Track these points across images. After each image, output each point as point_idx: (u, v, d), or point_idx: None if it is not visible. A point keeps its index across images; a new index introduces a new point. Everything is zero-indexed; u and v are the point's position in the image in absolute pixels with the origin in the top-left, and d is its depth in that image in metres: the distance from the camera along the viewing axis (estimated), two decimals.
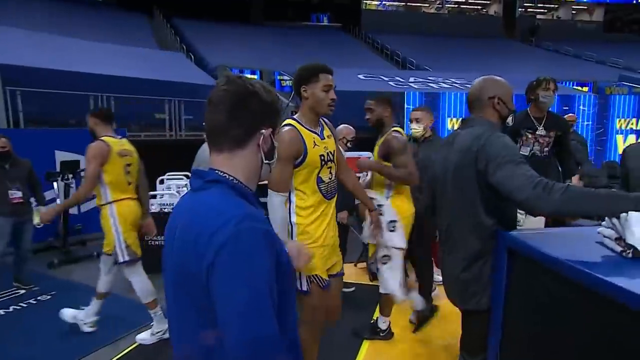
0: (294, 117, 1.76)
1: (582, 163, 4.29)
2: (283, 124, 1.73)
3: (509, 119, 1.58)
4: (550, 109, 2.71)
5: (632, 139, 7.72)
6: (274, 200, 1.67)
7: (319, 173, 1.72)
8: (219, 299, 0.72)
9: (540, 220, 2.25)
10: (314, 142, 1.71)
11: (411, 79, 9.62)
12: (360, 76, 9.70)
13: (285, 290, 0.81)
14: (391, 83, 9.12)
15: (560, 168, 2.76)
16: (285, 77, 12.48)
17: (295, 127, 1.71)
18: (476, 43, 19.36)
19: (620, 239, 1.11)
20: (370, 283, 3.59)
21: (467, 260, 1.47)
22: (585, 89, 11.97)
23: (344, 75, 9.55)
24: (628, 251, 1.08)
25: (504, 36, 22.64)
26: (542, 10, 26.65)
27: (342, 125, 3.10)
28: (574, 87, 12.39)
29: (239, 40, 16.91)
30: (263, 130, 0.85)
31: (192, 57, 13.77)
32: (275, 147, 0.89)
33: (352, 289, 3.44)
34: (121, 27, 13.76)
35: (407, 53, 15.84)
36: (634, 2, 24.94)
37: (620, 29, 26.59)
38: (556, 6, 26.24)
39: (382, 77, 9.69)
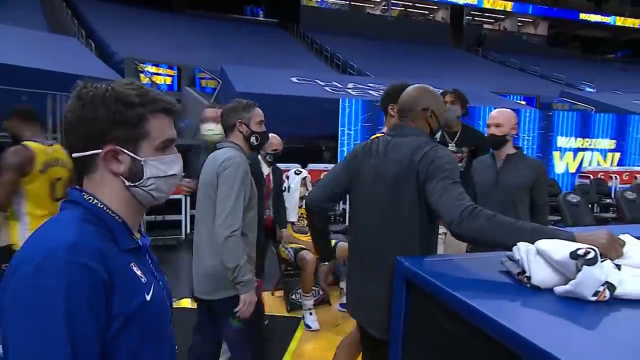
0: (383, 131, 1.95)
1: None
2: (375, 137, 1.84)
3: (438, 134, 1.68)
4: (466, 123, 2.92)
5: (569, 156, 8.64)
6: None
7: None
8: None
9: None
10: None
11: (350, 85, 9.93)
12: (294, 79, 9.81)
13: (148, 338, 0.77)
14: (327, 88, 9.33)
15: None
16: (207, 77, 12.24)
17: None
18: (422, 50, 20.67)
19: (522, 273, 1.16)
20: (287, 314, 3.55)
21: (385, 276, 1.50)
22: (524, 102, 13.24)
23: (275, 77, 9.60)
24: (526, 282, 1.13)
25: (451, 44, 24.48)
26: (489, 20, 29.33)
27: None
28: (517, 101, 13.63)
29: (155, 29, 16.37)
30: (106, 148, 0.79)
31: (93, 44, 13.01)
32: (143, 165, 0.82)
33: (266, 322, 3.36)
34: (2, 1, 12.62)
35: (347, 56, 16.41)
36: (577, 18, 28.42)
37: (563, 43, 30.15)
38: (503, 17, 29.03)
39: (317, 81, 9.89)
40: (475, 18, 28.40)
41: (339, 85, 9.77)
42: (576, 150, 8.71)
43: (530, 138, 8.35)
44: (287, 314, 3.58)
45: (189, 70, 12.48)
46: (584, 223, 4.81)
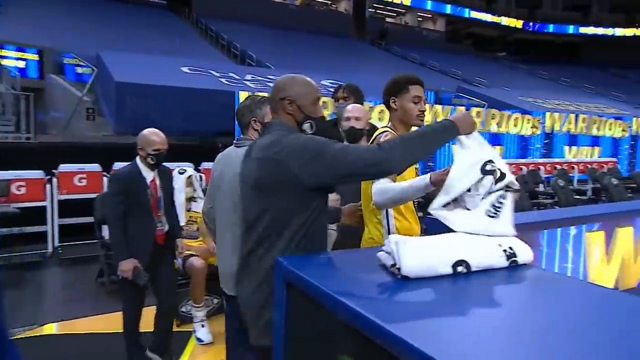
0: (387, 125, 2.04)
1: None
2: (381, 130, 1.99)
3: (306, 126, 1.61)
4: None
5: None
6: (382, 182, 1.72)
7: None
8: None
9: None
10: None
11: (248, 77, 9.83)
12: (185, 69, 9.43)
13: None
14: (223, 80, 9.12)
15: None
16: (82, 64, 11.22)
17: (393, 134, 1.95)
18: (324, 41, 21.24)
19: (394, 265, 1.25)
20: (177, 329, 3.43)
21: (261, 278, 1.51)
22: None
23: (163, 66, 9.13)
24: (397, 273, 1.22)
25: (354, 36, 25.53)
26: (391, 14, 31.19)
27: (147, 131, 2.75)
28: None
29: (14, 4, 14.57)
30: None
31: None
32: None
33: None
34: None
35: (246, 45, 16.23)
36: (468, 16, 31.48)
37: (459, 40, 33.22)
38: (404, 11, 31.06)
39: (212, 71, 9.62)
40: (378, 11, 29.97)
41: (236, 77, 9.62)
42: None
43: None
44: (176, 329, 3.43)
45: (54, 54, 11.33)
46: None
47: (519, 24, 33.10)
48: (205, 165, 6.52)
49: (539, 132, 10.45)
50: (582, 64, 32.50)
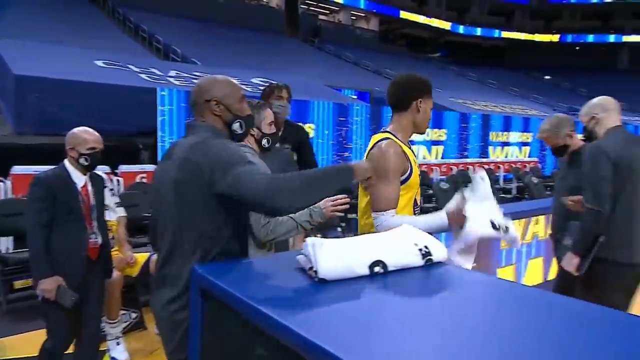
0: (387, 130, 1.95)
1: None
2: (381, 137, 1.91)
3: (236, 126, 1.65)
4: (288, 119, 3.09)
5: None
6: (396, 220, 1.78)
7: (415, 195, 1.93)
8: None
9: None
10: (414, 160, 1.95)
11: (172, 73, 9.52)
12: (99, 62, 8.94)
13: None
14: (143, 76, 8.76)
15: None
16: None
17: (394, 141, 1.89)
18: (255, 37, 21.10)
19: (312, 268, 1.28)
20: None
21: (178, 290, 1.49)
22: (354, 96, 14.74)
23: (73, 59, 8.59)
24: (315, 276, 1.26)
25: (286, 33, 25.62)
26: (324, 11, 31.66)
27: (77, 129, 2.56)
28: (351, 95, 15.04)
29: None
30: None
31: None
32: None
33: None
34: None
35: (170, 39, 15.71)
36: (399, 16, 32.77)
37: (392, 40, 34.47)
38: (337, 9, 31.66)
39: (130, 66, 9.20)
40: (311, 8, 30.30)
41: (159, 73, 9.28)
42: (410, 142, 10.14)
43: (362, 132, 9.33)
44: None
45: None
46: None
47: (448, 26, 34.97)
48: (124, 168, 6.23)
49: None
50: (506, 67, 35.04)
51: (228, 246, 1.53)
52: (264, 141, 2.11)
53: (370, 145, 1.96)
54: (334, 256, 1.24)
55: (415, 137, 2.33)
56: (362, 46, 27.73)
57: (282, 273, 1.38)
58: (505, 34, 36.61)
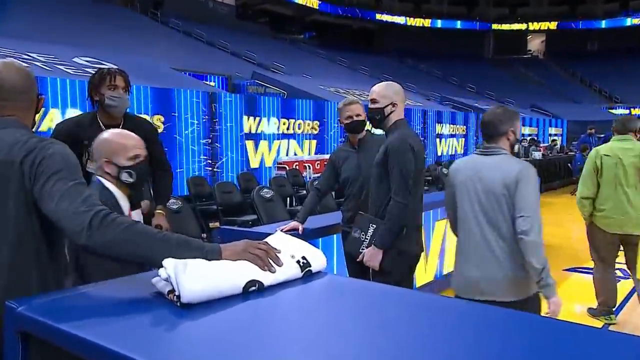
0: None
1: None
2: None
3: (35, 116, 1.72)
4: (130, 112, 2.95)
5: (264, 145, 10.02)
6: None
7: None
8: None
9: None
10: None
11: None
12: None
13: None
14: None
15: (152, 191, 3.07)
16: None
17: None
18: (77, 5, 19.65)
19: (172, 292, 1.24)
20: None
21: None
22: (212, 84, 14.59)
23: None
24: (176, 301, 1.23)
25: (118, 2, 24.29)
26: None
27: (108, 133, 2.16)
28: (205, 81, 14.82)
29: None
30: None
31: None
32: None
33: None
34: None
35: None
36: None
37: (253, 18, 34.71)
38: None
39: None
40: None
41: None
42: (280, 137, 10.20)
43: (233, 124, 9.15)
44: None
45: None
46: (279, 218, 5.67)
47: (315, 3, 36.33)
48: None
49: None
50: (379, 52, 37.65)
51: (51, 268, 1.54)
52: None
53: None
54: (200, 277, 1.23)
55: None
56: (217, 23, 27.45)
57: (135, 300, 1.33)
58: (377, 16, 39.22)
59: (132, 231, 1.39)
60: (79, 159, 2.70)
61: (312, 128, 11.17)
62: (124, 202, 2.06)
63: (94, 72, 2.85)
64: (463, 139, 16.74)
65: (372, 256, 2.72)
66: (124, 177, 2.03)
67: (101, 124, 2.74)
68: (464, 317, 1.27)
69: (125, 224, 1.40)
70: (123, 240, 1.38)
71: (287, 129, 10.48)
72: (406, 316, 1.25)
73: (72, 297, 1.42)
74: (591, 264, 4.36)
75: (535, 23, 42.89)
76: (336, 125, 11.38)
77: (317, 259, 1.46)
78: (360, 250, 2.79)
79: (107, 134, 2.12)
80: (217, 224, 6.53)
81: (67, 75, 7.82)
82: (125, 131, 2.20)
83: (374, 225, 2.75)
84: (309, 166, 10.01)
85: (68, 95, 6.70)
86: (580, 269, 5.72)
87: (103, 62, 8.90)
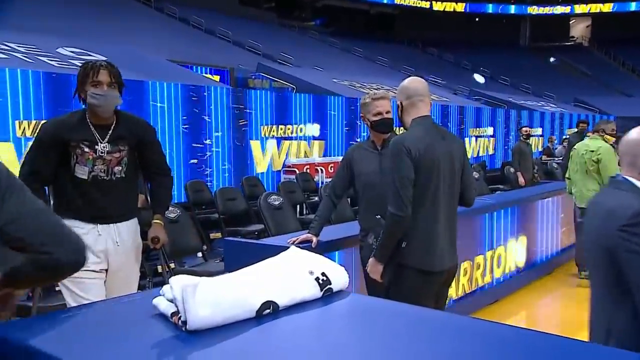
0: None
1: None
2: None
3: None
4: (122, 111, 2.94)
5: (272, 144, 10.01)
6: None
7: None
8: None
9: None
10: None
11: None
12: None
13: None
14: None
15: (149, 199, 3.09)
16: None
17: None
18: None
19: (177, 314, 1.24)
20: None
21: None
22: (217, 77, 14.65)
23: None
24: (181, 325, 1.23)
25: None
26: None
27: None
28: (205, 74, 14.88)
29: None
30: None
31: None
32: None
33: None
34: None
35: None
36: None
37: (257, 4, 34.84)
38: None
39: None
40: None
41: None
42: (280, 139, 10.14)
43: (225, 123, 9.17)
44: None
45: None
46: (289, 229, 5.63)
47: None
48: None
49: None
50: (399, 41, 37.57)
51: None
52: None
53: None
54: (211, 303, 1.22)
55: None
56: (218, 9, 27.58)
57: (132, 323, 1.33)
58: (398, 0, 39.08)
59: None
60: (67, 161, 2.72)
61: (315, 131, 11.06)
62: None
63: (82, 68, 2.81)
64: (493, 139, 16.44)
65: (372, 267, 2.78)
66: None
67: (90, 124, 2.74)
68: (504, 344, 1.24)
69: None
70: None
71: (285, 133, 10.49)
72: (441, 347, 1.22)
73: (66, 317, 1.41)
74: None
75: (582, 5, 42.12)
76: (344, 122, 11.36)
77: (339, 276, 1.45)
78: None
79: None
80: (219, 234, 6.52)
81: (50, 68, 7.87)
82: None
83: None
84: (321, 169, 9.93)
85: (51, 90, 6.71)
86: None
87: (90, 54, 8.96)
